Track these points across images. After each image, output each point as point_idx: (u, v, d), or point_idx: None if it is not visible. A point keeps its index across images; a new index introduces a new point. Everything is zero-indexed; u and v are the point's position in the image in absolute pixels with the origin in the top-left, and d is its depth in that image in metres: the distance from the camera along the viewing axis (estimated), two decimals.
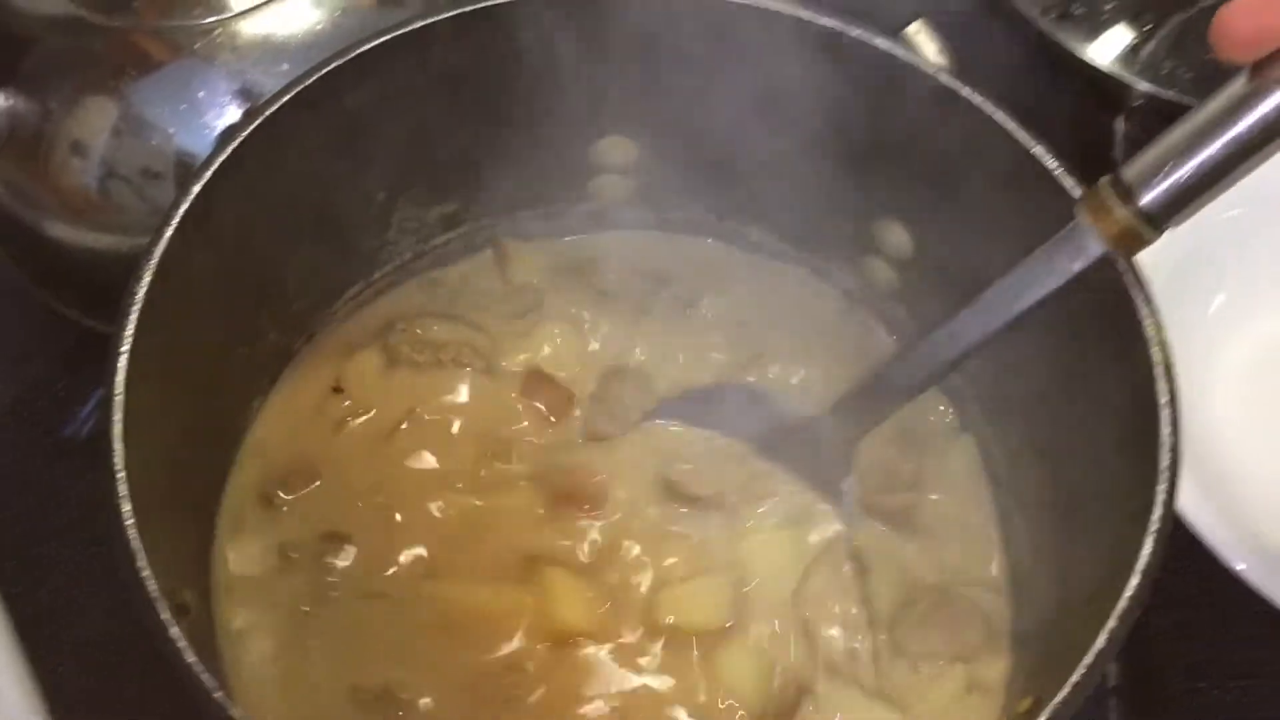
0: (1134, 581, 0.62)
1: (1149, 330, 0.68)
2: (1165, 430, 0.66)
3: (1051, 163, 0.74)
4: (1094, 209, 0.66)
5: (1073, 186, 0.72)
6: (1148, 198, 0.63)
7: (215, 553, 0.79)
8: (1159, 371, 0.67)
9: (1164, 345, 0.68)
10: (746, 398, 0.87)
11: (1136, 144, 1.16)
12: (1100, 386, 0.73)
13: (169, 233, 0.68)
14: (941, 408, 0.90)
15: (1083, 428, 0.74)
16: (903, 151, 0.81)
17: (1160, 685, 0.94)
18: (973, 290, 0.84)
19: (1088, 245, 0.66)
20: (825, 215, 0.90)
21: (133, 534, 0.60)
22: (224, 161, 0.71)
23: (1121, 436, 0.69)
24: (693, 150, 0.90)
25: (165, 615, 0.57)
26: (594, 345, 0.91)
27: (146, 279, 0.66)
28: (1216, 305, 1.04)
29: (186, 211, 0.69)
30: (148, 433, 0.66)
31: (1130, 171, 0.64)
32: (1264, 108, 0.58)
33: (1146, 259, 0.70)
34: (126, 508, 0.60)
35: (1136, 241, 0.65)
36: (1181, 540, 0.89)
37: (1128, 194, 0.64)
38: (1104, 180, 0.65)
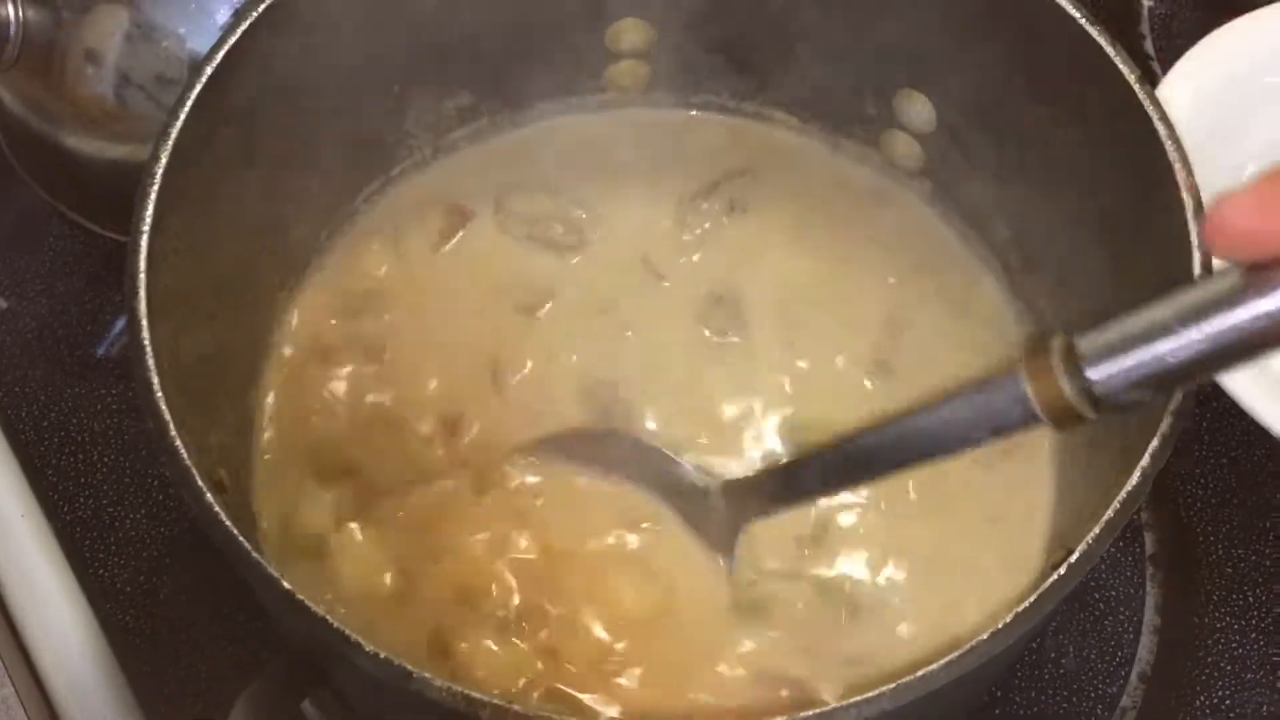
0: (1165, 423, 0.61)
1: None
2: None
3: (1088, 23, 0.72)
4: (1034, 369, 0.55)
5: (1109, 45, 0.71)
6: (1098, 378, 0.52)
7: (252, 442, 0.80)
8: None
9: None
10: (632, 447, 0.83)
11: (1164, 21, 1.16)
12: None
13: (184, 112, 0.68)
14: None
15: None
16: (924, 17, 0.80)
17: (1197, 552, 0.93)
18: (1000, 162, 0.84)
19: (1015, 407, 0.56)
20: (846, 89, 0.89)
21: (162, 405, 0.60)
22: (236, 42, 0.71)
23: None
24: (709, 28, 0.89)
25: (200, 484, 0.57)
26: None
27: (164, 157, 0.66)
28: (1247, 176, 1.03)
29: (200, 93, 0.69)
30: (174, 313, 0.66)
31: (1086, 342, 0.53)
32: (1251, 310, 0.47)
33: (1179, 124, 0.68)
34: (155, 380, 0.60)
35: (1070, 418, 0.54)
36: (1221, 409, 0.88)
37: (1076, 367, 0.53)
38: (1056, 341, 0.54)
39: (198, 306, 0.71)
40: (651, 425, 0.83)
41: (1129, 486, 0.59)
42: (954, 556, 0.79)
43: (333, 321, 0.87)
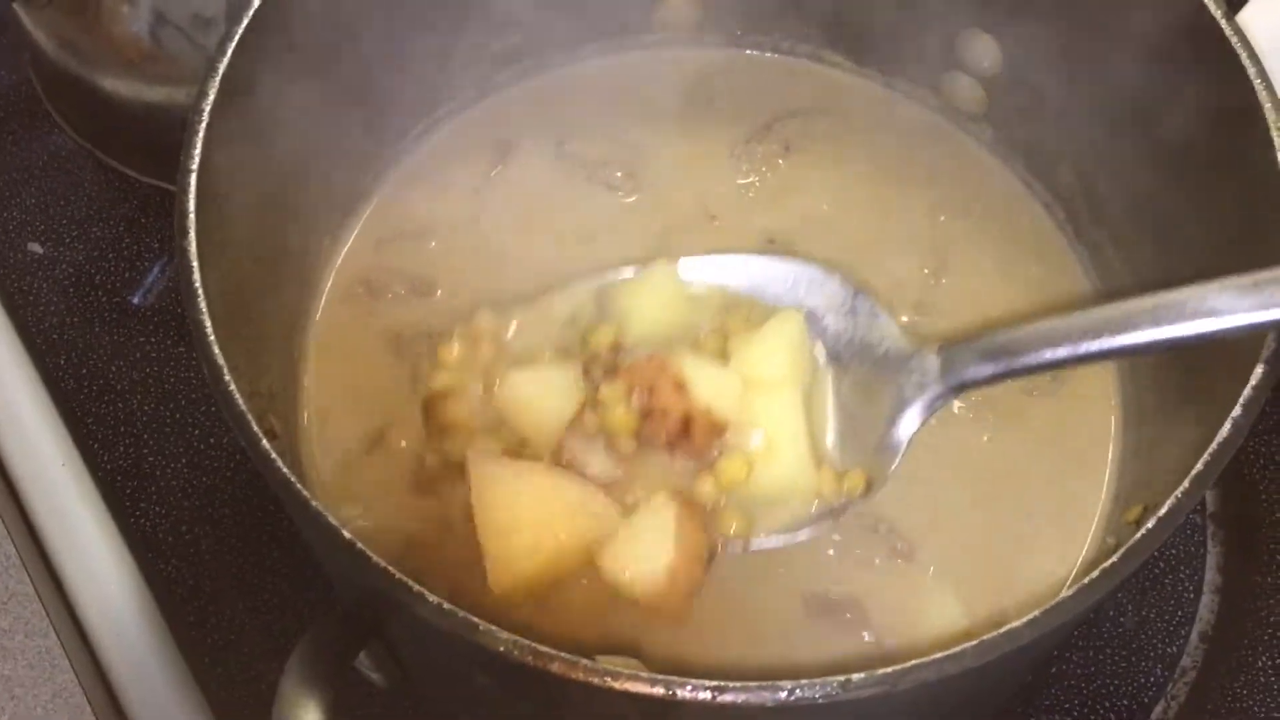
0: (1258, 372, 0.59)
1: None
2: None
3: None
4: None
5: None
6: None
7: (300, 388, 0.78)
8: None
9: None
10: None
11: None
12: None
13: (231, 48, 0.66)
14: None
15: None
16: None
17: (1259, 510, 0.91)
18: (1069, 105, 0.81)
19: None
20: (908, 29, 0.86)
21: (215, 349, 0.58)
22: None
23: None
24: None
25: (256, 430, 0.55)
26: None
27: (211, 94, 0.64)
28: None
29: (245, 31, 0.67)
30: (222, 256, 0.64)
31: None
32: None
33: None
34: (208, 324, 0.58)
35: None
36: None
37: None
38: None
39: (245, 250, 0.69)
40: None
41: (1220, 438, 0.57)
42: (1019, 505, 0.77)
43: (379, 257, 0.85)
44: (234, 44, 0.67)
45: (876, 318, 0.76)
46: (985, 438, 0.79)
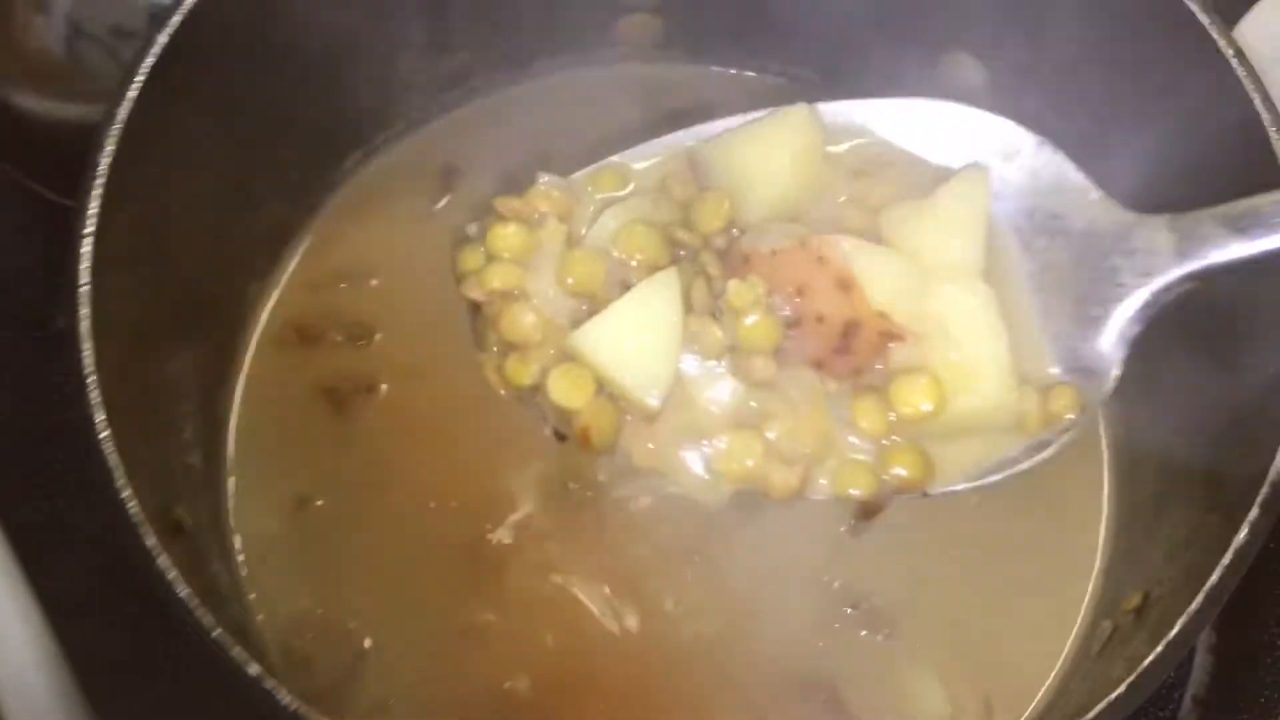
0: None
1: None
2: None
3: None
4: None
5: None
6: None
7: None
8: None
9: None
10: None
11: None
12: None
13: (133, 92, 0.59)
14: None
15: None
16: None
17: (1254, 564, 0.86)
18: (1053, 127, 0.75)
19: None
20: (885, 51, 0.79)
21: (109, 447, 0.51)
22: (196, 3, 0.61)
23: None
24: None
25: (152, 541, 0.48)
26: None
27: (110, 147, 0.57)
28: None
29: (155, 65, 0.60)
30: (127, 325, 0.57)
31: None
32: None
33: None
34: (100, 417, 0.52)
35: None
36: None
37: None
38: None
39: (155, 313, 0.62)
40: None
41: (1236, 544, 0.51)
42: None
43: (314, 300, 0.78)
44: (148, 64, 0.60)
45: (1070, 180, 0.60)
46: (974, 501, 0.73)
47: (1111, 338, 0.57)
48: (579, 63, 0.86)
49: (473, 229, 0.66)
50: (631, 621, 0.68)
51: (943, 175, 0.61)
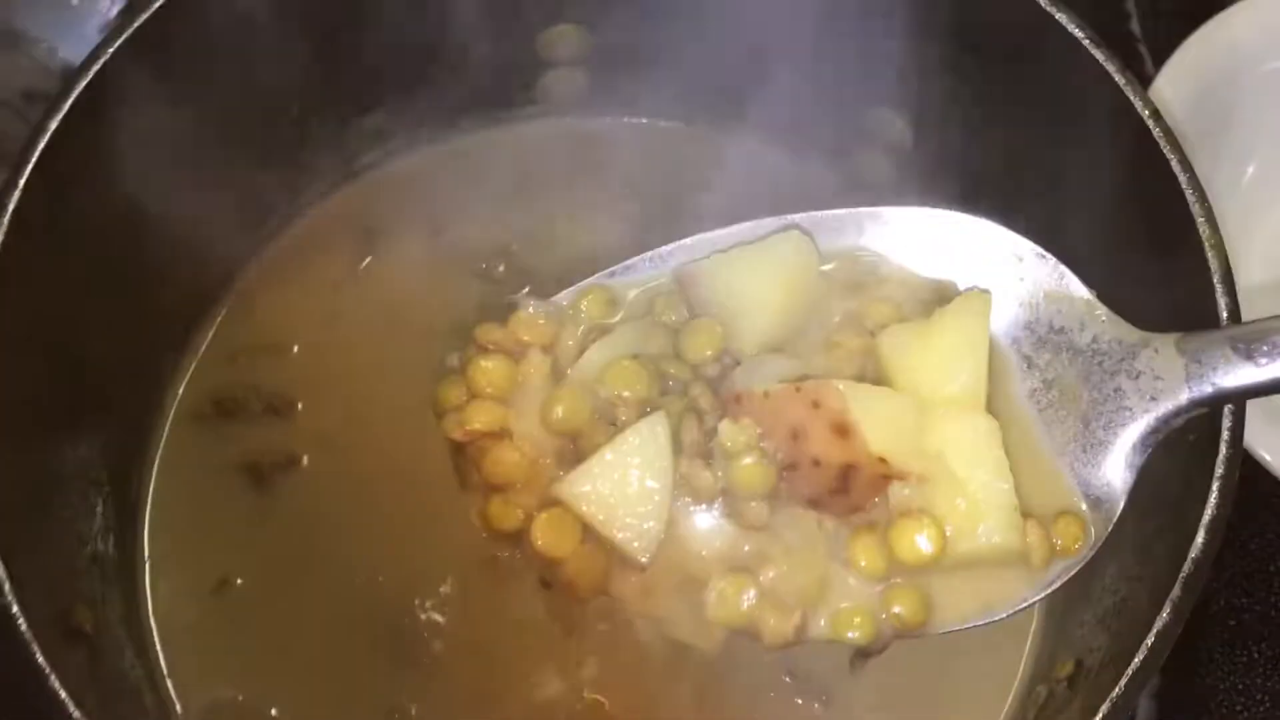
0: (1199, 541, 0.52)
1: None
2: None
3: (1076, 29, 0.63)
4: None
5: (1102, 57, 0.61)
6: None
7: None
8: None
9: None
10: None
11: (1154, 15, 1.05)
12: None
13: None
14: None
15: None
16: (903, 28, 0.70)
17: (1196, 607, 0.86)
18: (979, 180, 0.74)
19: None
20: (811, 106, 0.78)
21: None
22: (101, 69, 0.60)
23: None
24: (655, 34, 0.78)
25: (42, 660, 0.46)
26: None
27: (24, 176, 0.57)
28: (1249, 176, 0.95)
29: (67, 113, 0.58)
30: (14, 416, 0.55)
31: None
32: None
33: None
34: None
35: None
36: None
37: None
38: None
39: (53, 397, 0.60)
40: None
41: (1159, 625, 0.50)
42: None
43: (232, 371, 0.76)
44: (51, 127, 0.58)
45: (1072, 292, 0.57)
46: None
47: (1118, 465, 0.54)
48: (501, 120, 0.84)
49: (453, 359, 0.63)
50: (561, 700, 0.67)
51: (940, 289, 0.59)
